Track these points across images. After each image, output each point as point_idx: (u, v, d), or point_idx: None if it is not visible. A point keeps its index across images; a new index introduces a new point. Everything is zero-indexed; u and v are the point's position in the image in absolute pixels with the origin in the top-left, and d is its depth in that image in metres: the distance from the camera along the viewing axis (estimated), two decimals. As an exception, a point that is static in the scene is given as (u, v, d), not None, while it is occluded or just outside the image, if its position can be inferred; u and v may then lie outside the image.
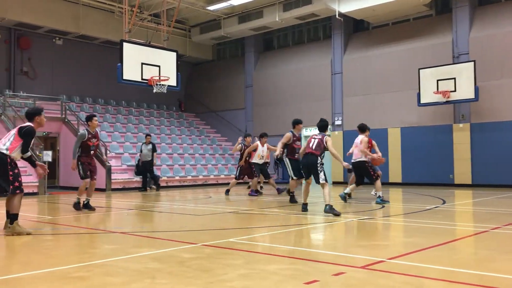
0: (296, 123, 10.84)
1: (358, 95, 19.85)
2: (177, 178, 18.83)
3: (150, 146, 16.63)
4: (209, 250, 5.34)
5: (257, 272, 4.30)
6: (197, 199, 13.26)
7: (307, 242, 6.30)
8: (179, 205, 11.55)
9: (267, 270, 4.34)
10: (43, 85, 20.45)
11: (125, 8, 16.34)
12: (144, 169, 16.64)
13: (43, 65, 20.78)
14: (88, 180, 9.58)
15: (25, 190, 14.60)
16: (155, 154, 16.72)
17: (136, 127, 21.19)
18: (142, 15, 19.00)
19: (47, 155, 15.17)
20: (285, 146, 10.47)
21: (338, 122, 20.33)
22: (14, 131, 6.78)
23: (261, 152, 13.44)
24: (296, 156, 10.48)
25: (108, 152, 17.42)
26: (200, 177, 19.60)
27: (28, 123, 6.81)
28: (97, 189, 9.79)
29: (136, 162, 17.78)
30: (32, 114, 6.87)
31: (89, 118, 9.94)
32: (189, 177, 19.26)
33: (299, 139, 10.84)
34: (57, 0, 19.28)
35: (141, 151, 16.85)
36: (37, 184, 14.82)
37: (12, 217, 6.54)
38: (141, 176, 17.52)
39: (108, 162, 16.62)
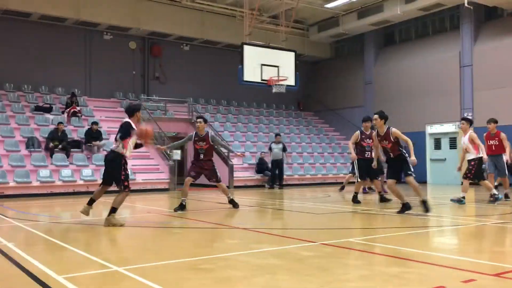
0: (365, 120, 11.01)
1: (491, 89, 18.22)
2: (296, 176, 19.03)
3: (280, 145, 17.18)
4: (328, 249, 5.31)
5: (378, 274, 4.17)
6: (316, 197, 13.27)
7: (431, 245, 5.95)
8: (298, 204, 11.66)
9: (388, 273, 4.20)
10: (172, 88, 21.96)
11: (245, 12, 16.92)
12: (276, 167, 17.16)
13: (172, 70, 22.34)
14: (188, 178, 9.29)
15: (157, 187, 15.98)
16: (285, 153, 17.41)
17: (256, 127, 21.83)
18: (261, 17, 19.50)
19: (177, 154, 16.27)
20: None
21: (467, 118, 18.85)
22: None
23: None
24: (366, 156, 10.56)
25: (230, 151, 18.26)
26: (319, 175, 19.58)
27: (126, 120, 7.25)
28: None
29: (257, 161, 18.34)
30: (133, 110, 7.30)
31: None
32: (308, 176, 19.34)
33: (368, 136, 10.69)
34: (183, 9, 20.60)
35: (270, 150, 17.56)
36: (168, 181, 16.03)
37: (111, 210, 7.19)
38: (261, 174, 18.06)
39: (231, 161, 17.40)
